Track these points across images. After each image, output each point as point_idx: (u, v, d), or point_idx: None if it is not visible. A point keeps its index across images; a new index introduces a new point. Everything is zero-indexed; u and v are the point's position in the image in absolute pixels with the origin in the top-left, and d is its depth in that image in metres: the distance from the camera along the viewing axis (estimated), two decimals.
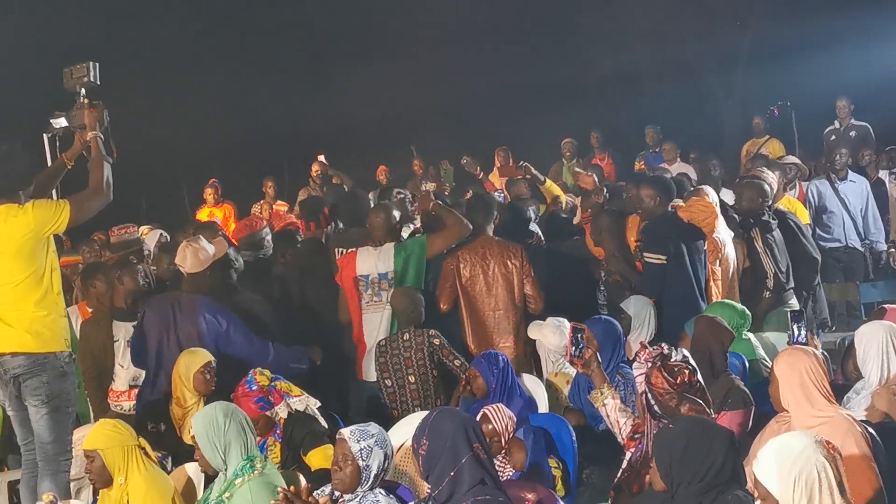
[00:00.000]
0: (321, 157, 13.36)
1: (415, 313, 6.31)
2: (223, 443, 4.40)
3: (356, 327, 6.60)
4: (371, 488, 4.06)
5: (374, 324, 6.50)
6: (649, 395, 4.33)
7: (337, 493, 4.11)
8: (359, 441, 4.05)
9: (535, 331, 6.37)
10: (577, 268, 7.65)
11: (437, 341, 6.24)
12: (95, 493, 5.16)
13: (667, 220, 6.96)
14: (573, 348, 4.79)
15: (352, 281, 6.56)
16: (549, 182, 9.89)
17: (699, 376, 4.40)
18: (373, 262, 6.52)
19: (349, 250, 6.81)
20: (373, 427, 4.16)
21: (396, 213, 6.76)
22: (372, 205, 7.41)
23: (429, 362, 6.20)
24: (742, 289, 7.03)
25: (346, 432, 4.11)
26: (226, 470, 4.43)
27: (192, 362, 5.73)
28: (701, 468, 3.54)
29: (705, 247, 6.91)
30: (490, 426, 4.91)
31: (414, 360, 6.20)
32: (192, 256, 6.19)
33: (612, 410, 4.70)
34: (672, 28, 16.72)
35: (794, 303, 7.24)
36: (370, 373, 6.46)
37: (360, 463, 4.02)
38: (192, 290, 6.22)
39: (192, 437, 4.51)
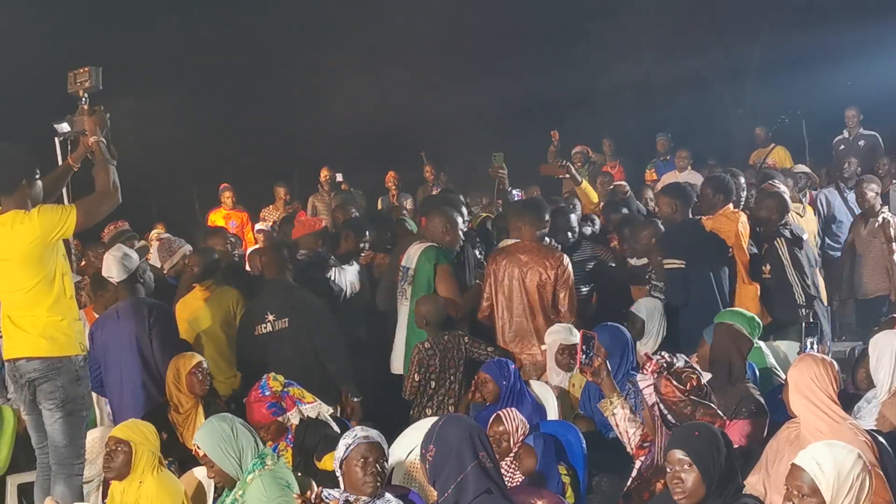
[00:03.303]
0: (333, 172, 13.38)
1: (441, 319, 6.33)
2: (237, 450, 4.40)
3: None
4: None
5: (400, 314, 6.69)
6: (662, 407, 4.33)
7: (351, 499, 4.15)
8: None
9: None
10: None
11: (466, 339, 6.35)
12: (104, 496, 5.20)
13: (686, 227, 6.96)
14: (583, 356, 4.79)
15: (399, 268, 6.77)
16: (585, 184, 9.54)
17: (704, 380, 4.41)
18: (410, 254, 6.67)
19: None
20: (372, 433, 4.21)
21: (458, 220, 6.80)
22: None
23: (462, 362, 6.27)
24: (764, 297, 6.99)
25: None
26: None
27: (182, 365, 5.77)
28: (730, 465, 3.67)
29: (730, 255, 6.86)
30: (501, 427, 4.92)
31: (455, 361, 6.27)
32: (117, 264, 6.17)
33: (621, 420, 4.69)
34: (683, 37, 16.71)
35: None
36: (394, 364, 6.64)
37: None
38: (127, 296, 6.22)
39: (204, 455, 4.44)
